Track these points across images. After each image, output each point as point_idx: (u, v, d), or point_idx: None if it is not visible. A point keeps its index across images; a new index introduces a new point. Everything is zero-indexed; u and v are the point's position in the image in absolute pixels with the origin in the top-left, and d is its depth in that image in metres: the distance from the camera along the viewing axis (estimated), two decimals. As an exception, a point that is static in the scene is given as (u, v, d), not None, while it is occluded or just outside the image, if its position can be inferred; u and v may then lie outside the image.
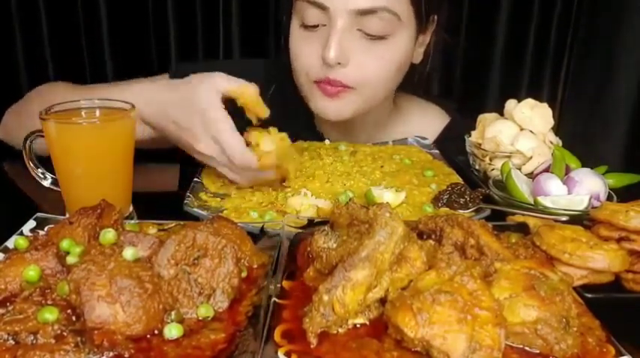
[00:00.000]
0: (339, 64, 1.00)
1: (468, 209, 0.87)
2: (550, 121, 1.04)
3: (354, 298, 0.53)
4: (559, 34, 1.68)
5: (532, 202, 0.88)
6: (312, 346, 0.52)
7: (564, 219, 0.79)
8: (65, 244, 0.61)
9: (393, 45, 1.03)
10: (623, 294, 0.66)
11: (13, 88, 1.67)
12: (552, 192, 0.88)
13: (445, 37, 1.16)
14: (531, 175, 0.96)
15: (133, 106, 0.82)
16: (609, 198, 0.90)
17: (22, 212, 0.78)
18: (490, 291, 0.54)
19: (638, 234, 0.69)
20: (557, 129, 1.07)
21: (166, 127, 0.89)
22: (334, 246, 0.64)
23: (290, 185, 0.93)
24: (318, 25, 1.02)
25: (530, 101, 1.04)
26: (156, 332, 0.54)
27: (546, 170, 0.93)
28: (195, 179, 0.96)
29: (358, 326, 0.55)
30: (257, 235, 0.72)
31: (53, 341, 0.51)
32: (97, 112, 0.84)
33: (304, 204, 0.85)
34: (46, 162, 0.84)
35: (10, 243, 0.68)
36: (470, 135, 1.10)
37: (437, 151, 1.15)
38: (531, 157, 1.00)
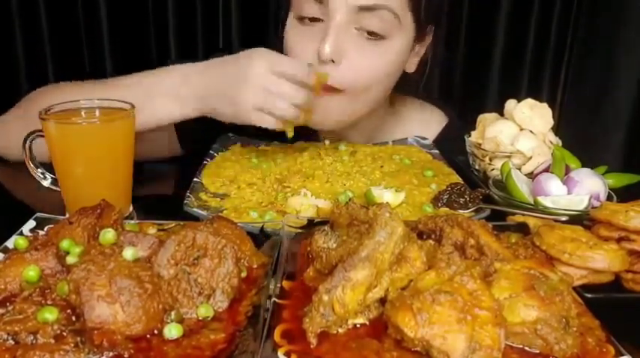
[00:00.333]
0: (333, 61, 0.98)
1: (468, 209, 0.87)
2: (550, 121, 1.04)
3: (354, 298, 0.53)
4: (559, 34, 1.68)
5: (532, 202, 0.88)
6: (311, 346, 0.52)
7: (564, 219, 0.79)
8: (65, 244, 0.61)
9: (389, 47, 1.01)
10: (623, 294, 0.66)
11: (12, 86, 1.67)
12: (552, 192, 0.88)
13: (443, 51, 1.15)
14: (531, 175, 0.96)
15: (133, 106, 0.82)
16: (609, 198, 0.90)
17: (21, 212, 0.78)
18: (490, 291, 0.54)
19: (637, 234, 0.69)
20: (557, 129, 1.06)
21: (208, 99, 0.93)
22: (334, 246, 0.64)
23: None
24: (314, 20, 1.00)
25: (530, 101, 1.04)
26: (156, 332, 0.53)
27: (546, 170, 0.93)
28: (195, 179, 0.96)
29: (358, 326, 0.55)
30: (257, 235, 0.72)
31: (53, 341, 0.51)
32: (97, 112, 0.84)
33: (304, 204, 0.85)
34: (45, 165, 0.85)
35: (9, 243, 0.68)
36: (470, 135, 1.10)
37: (437, 151, 1.15)
38: (531, 157, 1.00)
